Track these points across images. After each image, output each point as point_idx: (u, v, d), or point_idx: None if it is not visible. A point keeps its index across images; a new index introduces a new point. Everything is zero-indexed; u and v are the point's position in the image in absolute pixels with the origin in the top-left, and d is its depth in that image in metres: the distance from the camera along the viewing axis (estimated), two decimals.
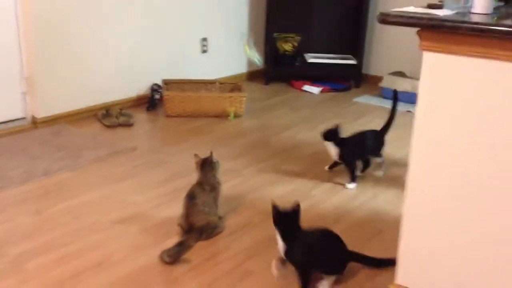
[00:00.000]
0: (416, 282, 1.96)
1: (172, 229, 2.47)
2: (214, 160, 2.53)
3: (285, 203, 2.79)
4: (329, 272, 2.11)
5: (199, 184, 2.47)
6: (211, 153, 2.56)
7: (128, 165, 3.20)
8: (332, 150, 3.01)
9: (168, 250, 2.26)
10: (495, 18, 1.68)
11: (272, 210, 2.08)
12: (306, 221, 2.62)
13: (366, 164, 3.14)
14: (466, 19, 1.66)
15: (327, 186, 3.01)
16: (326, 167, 3.18)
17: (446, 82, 1.71)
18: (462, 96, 1.70)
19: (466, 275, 1.85)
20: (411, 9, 1.77)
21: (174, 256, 2.24)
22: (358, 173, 3.07)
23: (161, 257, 2.23)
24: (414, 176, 1.88)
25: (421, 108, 1.79)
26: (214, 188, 2.49)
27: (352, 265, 2.23)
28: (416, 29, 1.72)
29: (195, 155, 2.56)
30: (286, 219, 2.07)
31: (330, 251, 2.13)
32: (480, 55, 1.62)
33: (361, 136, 3.11)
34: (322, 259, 2.11)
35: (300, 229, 2.09)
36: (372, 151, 3.12)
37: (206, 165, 2.51)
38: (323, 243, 2.13)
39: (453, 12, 1.74)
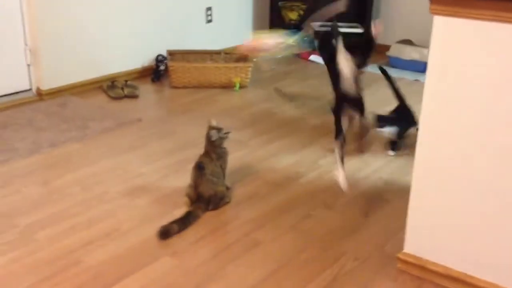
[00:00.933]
0: (424, 250, 1.97)
1: (179, 199, 2.48)
2: (218, 133, 2.47)
3: (292, 173, 2.79)
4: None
5: (207, 153, 2.46)
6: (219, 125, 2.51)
7: (134, 136, 3.19)
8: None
9: (176, 220, 2.27)
10: None
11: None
12: (312, 191, 2.63)
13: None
14: None
15: (334, 156, 2.99)
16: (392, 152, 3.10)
17: (457, 47, 1.68)
18: (474, 61, 1.67)
19: (473, 243, 1.85)
20: None
21: (182, 227, 2.25)
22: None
23: (169, 228, 2.23)
24: (423, 144, 1.86)
25: (431, 74, 1.76)
26: (220, 156, 2.47)
27: (361, 234, 2.24)
28: None
29: (209, 121, 2.49)
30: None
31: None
32: (492, 18, 1.58)
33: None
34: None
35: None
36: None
37: (207, 137, 2.47)
38: None
39: None
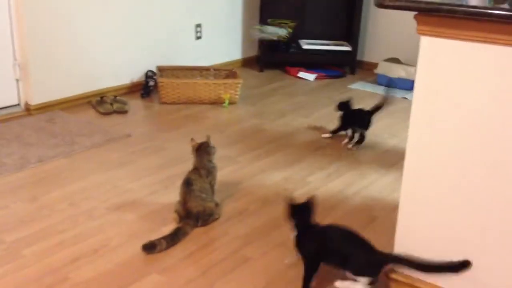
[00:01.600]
0: None
1: (168, 216, 2.47)
2: (210, 145, 2.53)
3: (281, 189, 2.80)
4: (354, 272, 1.96)
5: (195, 169, 2.47)
6: (208, 137, 2.56)
7: (123, 152, 3.19)
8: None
9: (165, 237, 2.26)
10: (493, 2, 1.68)
11: (287, 204, 2.04)
12: None
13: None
14: (463, 2, 1.65)
15: (323, 173, 3.01)
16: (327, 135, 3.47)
17: (444, 67, 1.71)
18: (460, 81, 1.70)
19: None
20: None
21: (170, 243, 2.25)
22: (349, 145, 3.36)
23: (157, 243, 2.22)
24: (411, 162, 1.88)
25: (418, 93, 1.79)
26: (210, 172, 2.48)
27: None
28: (413, 13, 1.71)
29: (192, 139, 2.56)
30: (299, 212, 2.04)
31: (349, 247, 1.99)
32: (478, 39, 1.62)
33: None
34: (337, 253, 1.99)
35: (313, 223, 2.04)
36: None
37: (202, 150, 2.50)
38: (339, 237, 2.02)
39: None
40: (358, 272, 1.96)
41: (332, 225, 2.11)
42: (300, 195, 2.75)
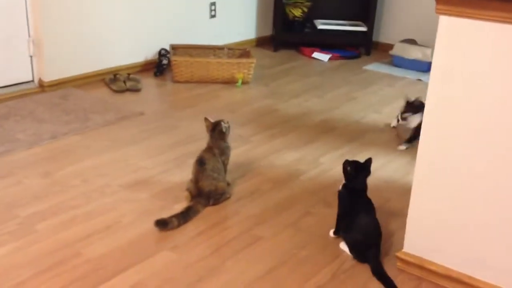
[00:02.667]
0: (424, 250, 1.97)
1: (180, 194, 2.48)
2: (225, 124, 2.50)
3: (293, 170, 2.79)
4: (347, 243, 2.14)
5: (209, 148, 2.46)
6: (220, 120, 2.53)
7: (136, 130, 3.19)
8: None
9: (176, 215, 2.27)
10: None
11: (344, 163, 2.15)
12: (313, 189, 2.63)
13: None
14: None
15: (335, 154, 3.00)
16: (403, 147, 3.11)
17: (463, 48, 1.68)
18: (479, 62, 1.67)
19: (473, 244, 1.85)
20: None
21: (182, 221, 2.26)
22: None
23: (168, 221, 2.23)
24: (426, 144, 1.86)
25: (435, 75, 1.76)
26: (223, 152, 2.48)
27: None
28: None
29: (205, 118, 2.53)
30: (356, 167, 2.14)
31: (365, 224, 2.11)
32: (498, 19, 1.58)
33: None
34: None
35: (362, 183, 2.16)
36: None
37: (217, 130, 2.49)
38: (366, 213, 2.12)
39: None
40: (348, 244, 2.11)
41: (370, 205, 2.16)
42: (312, 176, 2.75)
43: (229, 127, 2.52)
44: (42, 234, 2.18)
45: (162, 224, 2.21)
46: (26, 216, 2.29)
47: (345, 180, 2.16)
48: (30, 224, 2.23)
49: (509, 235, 1.77)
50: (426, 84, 1.83)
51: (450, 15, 1.66)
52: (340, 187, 2.18)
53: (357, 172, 2.14)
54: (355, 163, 2.15)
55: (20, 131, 3.06)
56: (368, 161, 2.16)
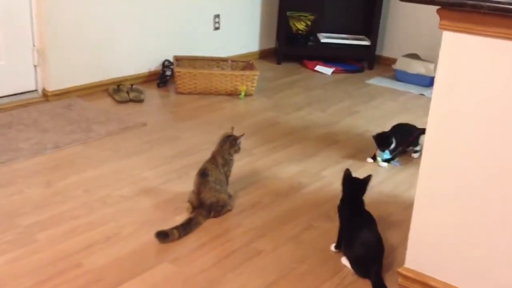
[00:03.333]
0: (426, 265, 1.95)
1: (181, 205, 2.47)
2: (238, 140, 2.49)
3: (295, 183, 2.79)
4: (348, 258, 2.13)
5: (213, 158, 2.46)
6: (239, 135, 2.52)
7: (138, 141, 3.19)
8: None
9: (177, 226, 2.26)
10: None
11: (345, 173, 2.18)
12: (315, 202, 2.63)
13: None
14: None
15: (338, 167, 2.99)
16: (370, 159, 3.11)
17: (466, 63, 1.68)
18: (482, 78, 1.67)
19: (475, 260, 1.84)
20: None
21: (183, 233, 2.25)
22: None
23: (169, 233, 2.22)
24: (428, 159, 1.86)
25: (438, 90, 1.76)
26: (226, 163, 2.47)
27: None
28: (435, 8, 1.68)
29: (232, 128, 2.54)
30: (354, 184, 2.17)
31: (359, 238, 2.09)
32: (502, 36, 1.58)
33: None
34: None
35: (359, 200, 2.17)
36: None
37: (229, 140, 2.48)
38: (365, 227, 2.11)
39: None
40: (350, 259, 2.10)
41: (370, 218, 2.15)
42: (314, 190, 2.74)
43: (239, 144, 2.51)
44: (42, 244, 2.17)
45: (163, 236, 2.21)
46: (27, 226, 2.28)
47: (342, 193, 2.17)
48: (31, 234, 2.23)
49: (511, 251, 1.76)
50: (429, 99, 1.83)
51: (453, 31, 1.67)
52: (339, 201, 2.19)
53: (353, 189, 2.15)
54: (352, 180, 2.16)
55: (23, 140, 3.07)
56: (367, 179, 2.16)
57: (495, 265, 1.80)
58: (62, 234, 2.24)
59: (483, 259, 1.82)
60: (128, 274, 2.02)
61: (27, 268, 2.03)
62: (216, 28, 4.69)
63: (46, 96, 3.71)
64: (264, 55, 5.13)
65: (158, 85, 4.16)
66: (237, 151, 2.51)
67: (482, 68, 1.67)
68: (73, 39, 3.75)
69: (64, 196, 2.54)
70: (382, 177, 2.91)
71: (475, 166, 1.76)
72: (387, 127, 3.26)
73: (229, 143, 2.48)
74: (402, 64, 4.61)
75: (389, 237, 2.30)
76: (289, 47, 4.98)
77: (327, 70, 4.81)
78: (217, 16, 4.67)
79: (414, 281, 1.98)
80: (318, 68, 4.85)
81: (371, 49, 4.95)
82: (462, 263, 1.87)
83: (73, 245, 2.17)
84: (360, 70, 4.91)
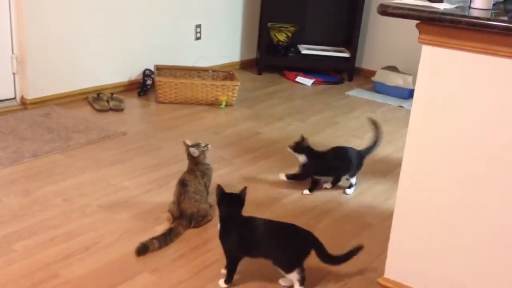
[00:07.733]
0: (406, 276, 1.97)
1: (161, 215, 2.46)
2: (199, 149, 2.47)
3: (275, 193, 2.79)
4: (283, 269, 2.02)
5: (191, 170, 2.46)
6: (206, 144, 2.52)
7: (118, 150, 3.17)
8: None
9: (157, 236, 2.25)
10: (494, 14, 1.68)
11: (217, 191, 2.03)
12: (295, 212, 2.63)
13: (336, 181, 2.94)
14: (466, 13, 1.66)
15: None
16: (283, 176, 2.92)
17: (445, 77, 1.72)
18: (461, 92, 1.71)
19: (455, 271, 1.86)
20: (411, 1, 1.77)
21: (163, 243, 2.24)
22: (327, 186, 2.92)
23: (149, 244, 2.21)
24: (407, 171, 1.88)
25: (417, 102, 1.79)
26: (205, 173, 2.47)
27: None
28: (414, 23, 1.72)
29: (183, 142, 2.52)
30: (228, 202, 2.02)
31: (271, 239, 2.03)
32: (480, 50, 1.62)
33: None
34: (260, 245, 2.02)
35: (240, 215, 2.04)
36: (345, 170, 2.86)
37: (189, 154, 2.48)
38: (261, 229, 2.04)
39: (453, 6, 1.74)
40: (285, 268, 2.00)
41: (254, 217, 2.08)
42: (293, 200, 2.75)
43: (205, 150, 2.48)
44: (20, 254, 2.14)
45: (143, 250, 2.19)
46: (4, 236, 2.24)
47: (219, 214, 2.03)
48: (8, 244, 2.19)
49: (490, 260, 1.79)
50: (408, 111, 1.86)
51: (432, 45, 1.70)
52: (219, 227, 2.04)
53: (230, 206, 2.02)
54: (228, 197, 2.02)
55: (1, 149, 3.02)
56: (243, 193, 2.03)
57: (474, 275, 1.83)
58: (40, 244, 2.21)
59: (462, 269, 1.84)
60: (107, 285, 2.00)
61: (4, 278, 1.99)
62: (198, 38, 4.70)
63: (24, 104, 3.67)
64: (245, 65, 5.15)
65: (139, 94, 4.14)
66: (203, 157, 2.47)
67: (460, 82, 1.70)
68: (52, 47, 3.72)
69: (43, 205, 2.50)
70: (362, 188, 2.94)
71: (454, 177, 1.79)
72: (366, 138, 3.30)
73: (189, 156, 2.47)
74: (381, 76, 4.67)
75: (369, 247, 2.31)
76: (270, 57, 5.01)
77: (307, 81, 4.85)
78: (199, 26, 4.68)
79: None
80: (299, 79, 4.88)
81: (351, 61, 5.01)
82: (442, 273, 1.89)
83: (51, 255, 2.14)
84: (339, 82, 4.96)
